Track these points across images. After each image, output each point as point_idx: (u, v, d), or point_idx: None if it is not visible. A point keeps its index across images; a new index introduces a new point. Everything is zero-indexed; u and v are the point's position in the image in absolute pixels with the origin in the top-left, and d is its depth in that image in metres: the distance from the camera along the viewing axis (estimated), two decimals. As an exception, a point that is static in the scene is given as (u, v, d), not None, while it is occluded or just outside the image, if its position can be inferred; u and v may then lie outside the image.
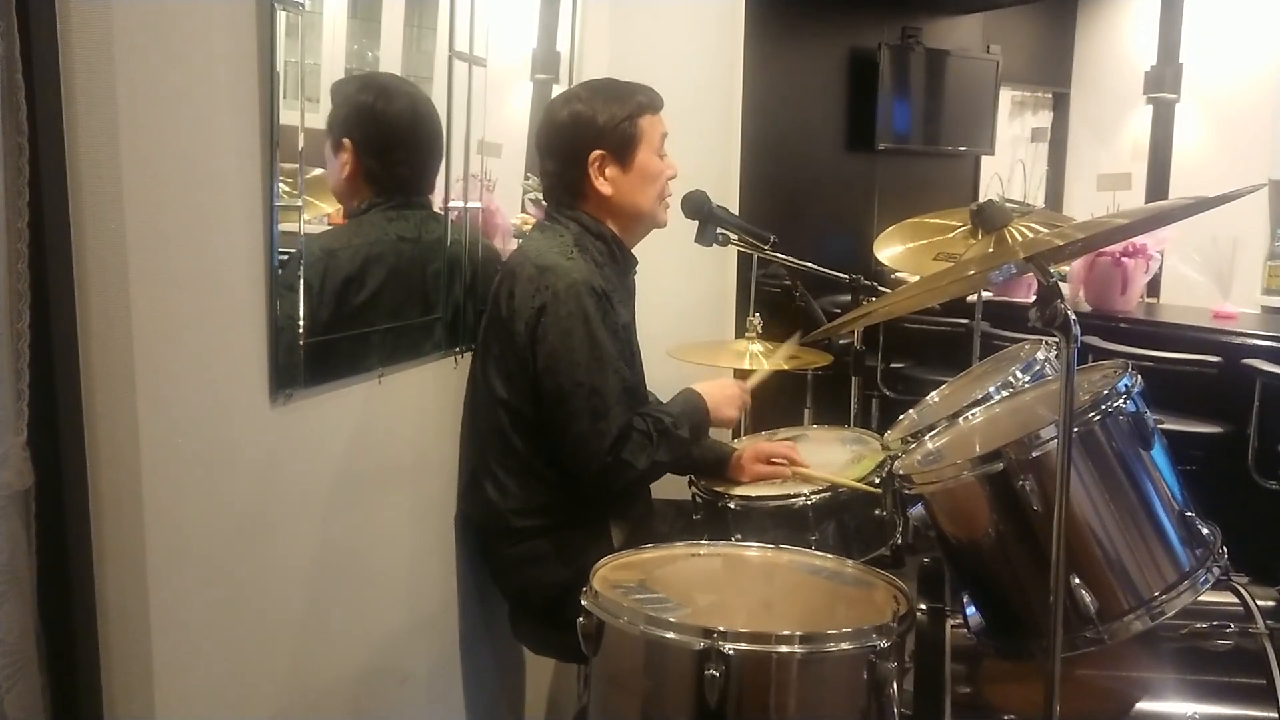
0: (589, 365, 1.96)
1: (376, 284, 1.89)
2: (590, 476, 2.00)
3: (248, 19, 1.52)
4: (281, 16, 1.55)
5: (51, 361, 1.25)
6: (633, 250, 2.19)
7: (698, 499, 2.23)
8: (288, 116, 1.61)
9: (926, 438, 1.99)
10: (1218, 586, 1.67)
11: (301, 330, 1.67)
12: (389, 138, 1.98)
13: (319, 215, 1.91)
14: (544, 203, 2.21)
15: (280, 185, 1.59)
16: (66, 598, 1.31)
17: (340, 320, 1.82)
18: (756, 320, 2.59)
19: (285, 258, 1.63)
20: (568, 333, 1.96)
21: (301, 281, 1.68)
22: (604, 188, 2.09)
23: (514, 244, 2.40)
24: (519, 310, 1.99)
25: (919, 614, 1.80)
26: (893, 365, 4.74)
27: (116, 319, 1.34)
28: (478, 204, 2.23)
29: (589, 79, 2.27)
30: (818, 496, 2.11)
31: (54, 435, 1.27)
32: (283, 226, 1.61)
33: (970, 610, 1.79)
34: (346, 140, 1.89)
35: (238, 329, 1.55)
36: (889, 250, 2.98)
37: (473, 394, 2.15)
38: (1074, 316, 1.40)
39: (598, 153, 2.08)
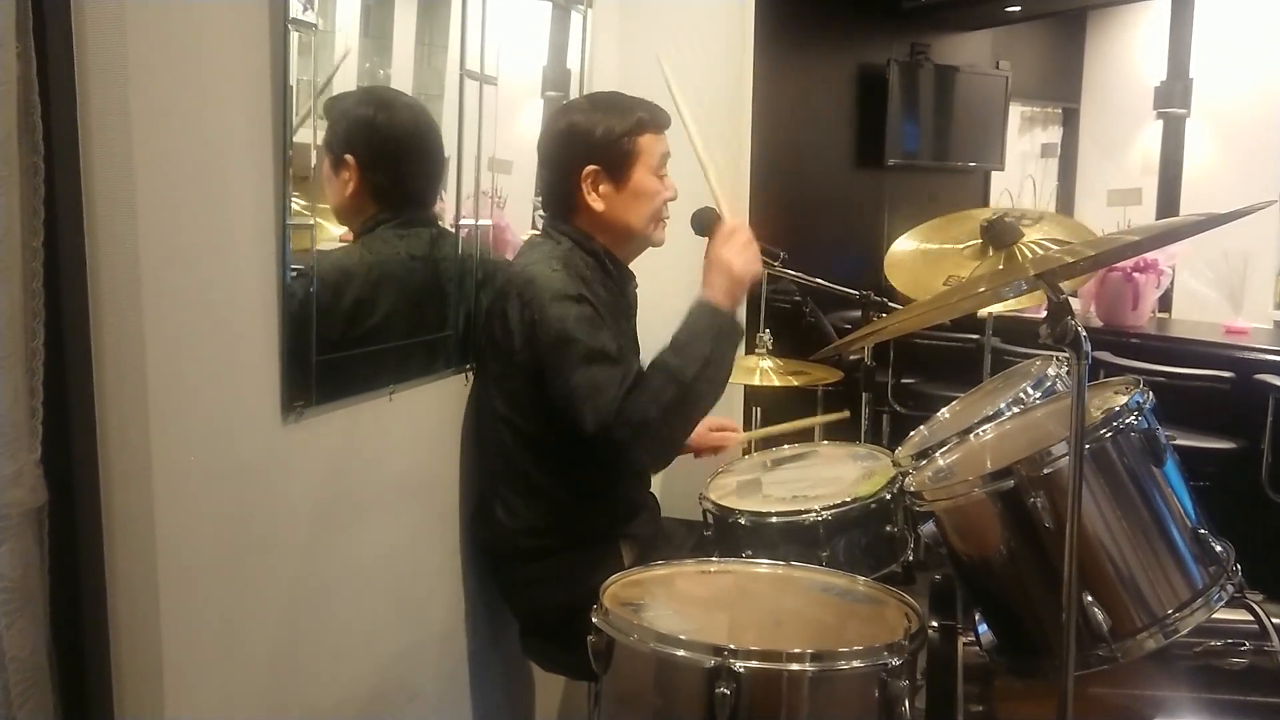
0: (589, 333, 1.89)
1: (389, 305, 1.88)
2: (606, 435, 1.84)
3: (261, 37, 1.53)
4: (294, 35, 1.57)
5: (65, 380, 1.26)
6: (629, 265, 2.16)
7: (708, 515, 2.23)
8: (300, 134, 1.62)
9: (937, 454, 1.99)
10: (1232, 604, 1.66)
11: (313, 347, 1.68)
12: (395, 150, 1.95)
13: (329, 239, 1.90)
14: (542, 213, 2.19)
15: (293, 203, 1.60)
16: (78, 615, 1.31)
17: (352, 339, 1.82)
18: (767, 336, 2.60)
19: (296, 274, 1.63)
20: (561, 319, 1.90)
21: (314, 298, 1.68)
22: (595, 203, 2.05)
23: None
24: (514, 329, 1.97)
25: (931, 632, 1.79)
26: (903, 381, 4.74)
27: (130, 337, 1.35)
28: (488, 221, 2.24)
29: (595, 90, 2.24)
30: (829, 512, 2.11)
31: (67, 453, 1.27)
32: (294, 244, 1.62)
33: (982, 628, 1.78)
34: (349, 157, 1.85)
35: (250, 346, 1.56)
36: (898, 266, 2.97)
37: (476, 414, 2.15)
38: (1084, 333, 1.40)
39: (591, 168, 2.04)
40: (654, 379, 1.87)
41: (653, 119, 2.08)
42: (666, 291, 2.41)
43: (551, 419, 1.97)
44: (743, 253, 1.94)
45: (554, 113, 2.18)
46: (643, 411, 1.83)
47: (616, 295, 2.13)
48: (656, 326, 2.30)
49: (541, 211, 2.19)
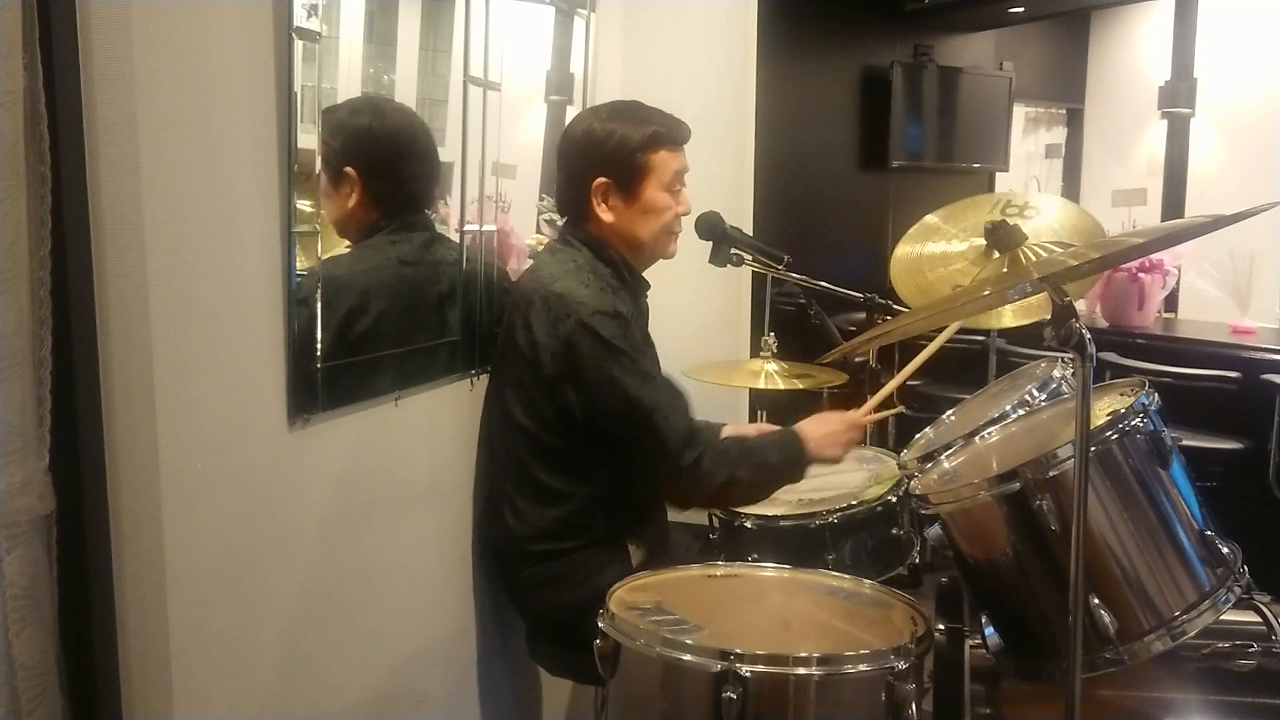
0: (636, 385, 1.94)
1: (379, 311, 1.87)
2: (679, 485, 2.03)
3: (265, 46, 1.54)
4: (298, 43, 1.57)
5: (73, 387, 1.27)
6: (643, 274, 2.16)
7: (715, 519, 2.23)
8: (305, 141, 1.63)
9: (943, 457, 1.98)
10: (1239, 606, 1.66)
11: (319, 354, 1.68)
12: (393, 155, 1.94)
13: (338, 245, 1.90)
14: (559, 217, 2.19)
15: (298, 209, 1.60)
16: (87, 621, 1.32)
17: (356, 345, 1.82)
18: (772, 340, 2.59)
19: (302, 281, 1.64)
20: (604, 360, 1.93)
21: (319, 305, 1.68)
22: (604, 215, 2.05)
23: (529, 265, 2.40)
24: (541, 341, 1.97)
25: (937, 634, 1.79)
26: (908, 383, 4.72)
27: (137, 344, 1.35)
28: (493, 226, 2.24)
29: (618, 99, 2.20)
30: (835, 516, 2.11)
31: (75, 460, 1.28)
32: (299, 251, 1.62)
33: (989, 630, 1.78)
34: (349, 170, 1.83)
35: (256, 353, 1.57)
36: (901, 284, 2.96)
37: (489, 418, 2.15)
38: (1089, 335, 1.40)
39: (601, 180, 2.03)
40: (736, 458, 2.01)
41: (669, 133, 2.06)
42: (676, 300, 2.41)
43: (569, 428, 1.99)
44: (847, 444, 2.12)
45: (575, 117, 2.18)
46: (715, 473, 1.98)
47: (633, 303, 2.13)
48: (666, 333, 2.31)
49: (548, 215, 2.19)
